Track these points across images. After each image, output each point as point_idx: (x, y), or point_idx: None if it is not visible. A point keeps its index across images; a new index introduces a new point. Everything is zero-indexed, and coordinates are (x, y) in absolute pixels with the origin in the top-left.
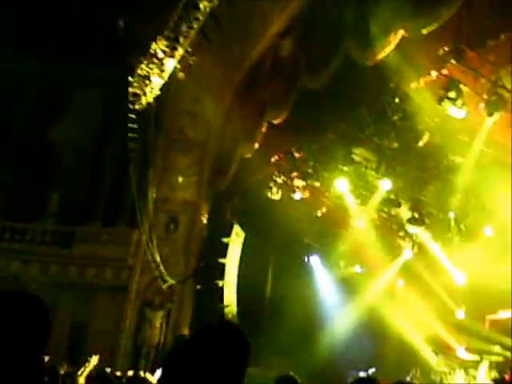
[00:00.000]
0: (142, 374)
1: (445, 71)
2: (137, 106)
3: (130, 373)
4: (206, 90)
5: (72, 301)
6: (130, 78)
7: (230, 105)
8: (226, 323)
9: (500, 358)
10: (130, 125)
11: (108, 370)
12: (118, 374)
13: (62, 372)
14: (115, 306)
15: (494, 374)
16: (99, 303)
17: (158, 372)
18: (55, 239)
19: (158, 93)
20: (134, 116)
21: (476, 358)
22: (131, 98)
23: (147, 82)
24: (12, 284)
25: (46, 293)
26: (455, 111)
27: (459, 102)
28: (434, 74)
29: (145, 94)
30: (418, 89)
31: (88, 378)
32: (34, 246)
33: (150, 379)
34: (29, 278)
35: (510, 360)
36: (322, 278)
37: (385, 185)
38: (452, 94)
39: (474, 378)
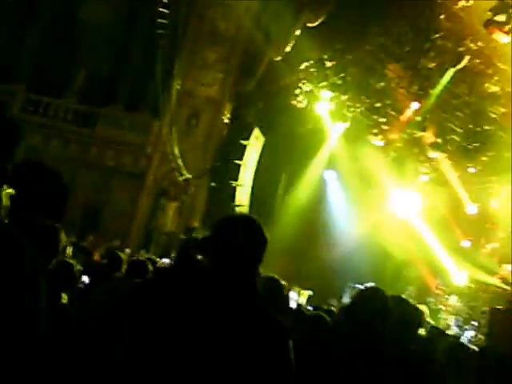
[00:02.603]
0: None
1: None
2: None
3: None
4: None
5: (90, 181)
6: None
7: (266, 1)
8: (247, 216)
9: (498, 290)
10: (159, 8)
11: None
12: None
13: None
14: (131, 191)
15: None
16: (116, 186)
17: (165, 260)
18: (77, 118)
19: None
20: (164, 0)
21: (473, 286)
22: None
23: None
24: (32, 156)
25: (64, 169)
26: (501, 36)
27: (507, 26)
28: None
29: None
30: (466, 8)
31: (102, 256)
32: (57, 122)
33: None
34: (49, 153)
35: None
36: (334, 193)
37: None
38: (501, 18)
39: (468, 306)
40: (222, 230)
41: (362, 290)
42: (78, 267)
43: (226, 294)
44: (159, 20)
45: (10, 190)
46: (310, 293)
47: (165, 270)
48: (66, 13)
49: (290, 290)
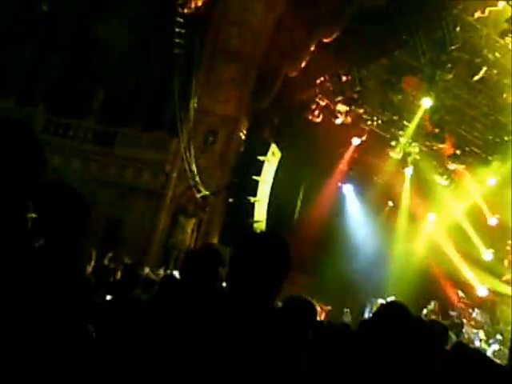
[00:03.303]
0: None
1: None
2: (186, 10)
3: (161, 271)
4: None
5: (109, 199)
6: None
7: (281, 17)
8: (273, 233)
9: None
10: (177, 29)
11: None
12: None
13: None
14: (150, 208)
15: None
16: (135, 204)
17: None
18: (97, 138)
19: None
20: (181, 20)
21: (496, 299)
22: (180, 1)
23: None
24: (52, 176)
25: (85, 189)
26: None
27: None
28: (501, 3)
29: None
30: (482, 19)
31: (123, 273)
32: (76, 143)
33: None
34: (69, 173)
35: None
36: (353, 206)
37: (426, 102)
38: None
39: (492, 319)
40: (246, 250)
41: (384, 306)
42: (100, 286)
43: (248, 317)
44: (176, 40)
45: (33, 214)
46: (329, 308)
47: (182, 289)
48: (84, 34)
49: None
